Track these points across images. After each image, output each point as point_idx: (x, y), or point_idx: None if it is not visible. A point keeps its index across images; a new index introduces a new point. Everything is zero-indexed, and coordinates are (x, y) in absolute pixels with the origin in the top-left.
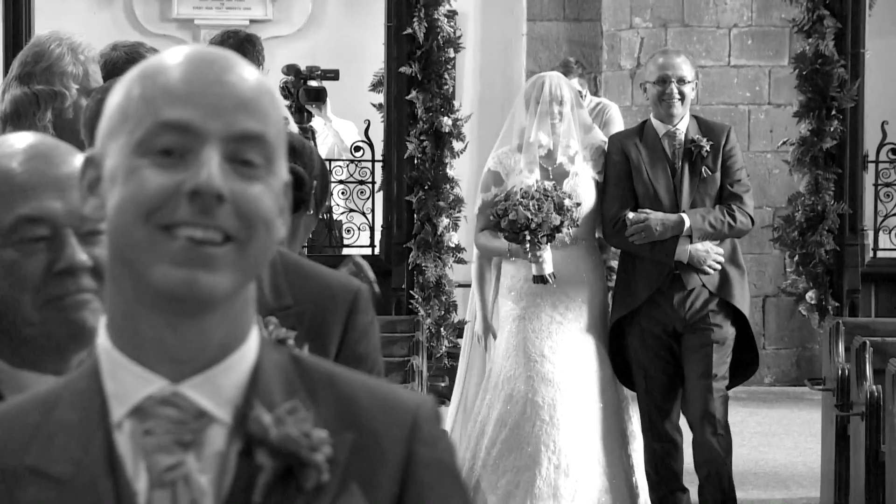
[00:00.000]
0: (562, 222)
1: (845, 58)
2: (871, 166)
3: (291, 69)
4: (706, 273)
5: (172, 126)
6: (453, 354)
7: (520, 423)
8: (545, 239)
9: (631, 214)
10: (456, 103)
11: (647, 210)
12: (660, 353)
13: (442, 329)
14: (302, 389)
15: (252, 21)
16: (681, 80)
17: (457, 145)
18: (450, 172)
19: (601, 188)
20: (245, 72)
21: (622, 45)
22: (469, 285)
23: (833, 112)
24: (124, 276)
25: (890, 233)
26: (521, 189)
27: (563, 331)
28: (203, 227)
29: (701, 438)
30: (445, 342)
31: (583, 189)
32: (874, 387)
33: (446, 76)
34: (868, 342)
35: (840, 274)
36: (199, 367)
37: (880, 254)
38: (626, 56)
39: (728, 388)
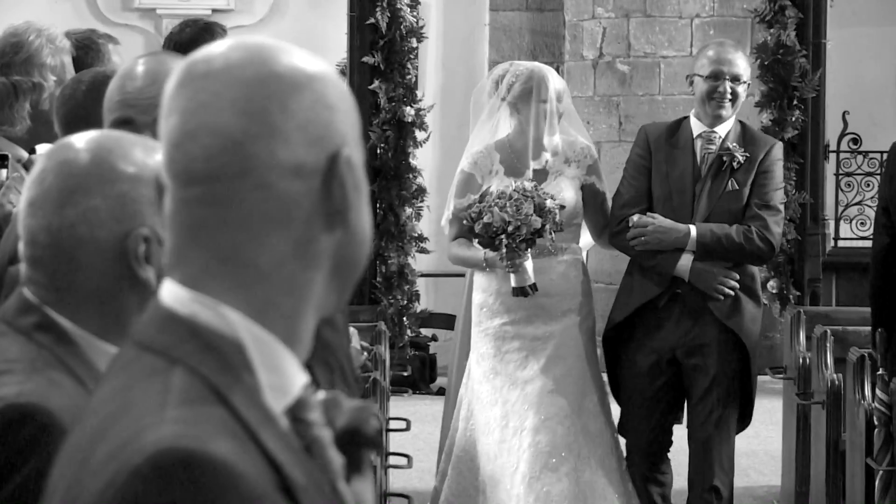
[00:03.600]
0: (543, 225)
1: (807, 48)
2: (833, 156)
3: None
4: (714, 299)
5: None
6: (416, 344)
7: (497, 453)
8: (524, 244)
9: (636, 216)
10: (419, 93)
11: (655, 215)
12: (653, 369)
13: (405, 318)
14: None
15: (214, 11)
16: (735, 79)
17: (419, 135)
18: (413, 162)
19: (589, 192)
20: None
21: (584, 35)
22: (432, 275)
23: (794, 102)
24: (319, 280)
25: (851, 222)
26: (497, 190)
27: (543, 349)
28: None
29: (698, 496)
30: (408, 332)
31: (564, 192)
32: (835, 375)
33: (409, 66)
34: (829, 331)
35: (801, 263)
36: None
37: (841, 243)
38: (589, 46)
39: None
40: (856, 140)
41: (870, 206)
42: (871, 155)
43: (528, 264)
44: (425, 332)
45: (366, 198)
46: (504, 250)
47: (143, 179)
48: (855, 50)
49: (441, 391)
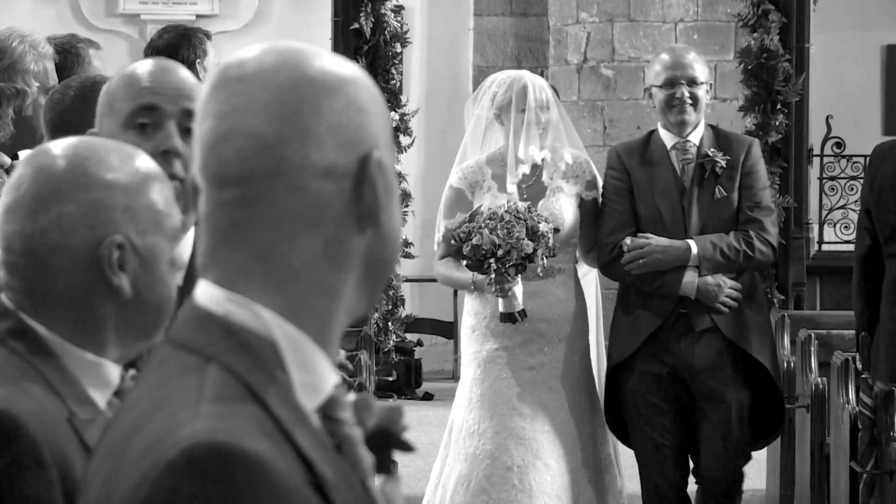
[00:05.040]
0: (535, 250)
1: (790, 52)
2: (816, 160)
3: None
4: (719, 312)
5: None
6: (401, 349)
7: (485, 489)
8: (514, 270)
9: (629, 240)
10: (403, 98)
11: (649, 235)
12: (664, 395)
13: (389, 324)
14: None
15: (198, 16)
16: (692, 82)
17: (404, 140)
18: (397, 167)
19: (588, 208)
20: None
21: (569, 39)
22: (416, 280)
23: (778, 106)
24: (350, 281)
25: (835, 226)
26: (488, 210)
27: (536, 378)
28: None
29: None
30: (393, 337)
31: (564, 210)
32: (819, 379)
33: (393, 71)
34: (813, 335)
35: (785, 267)
36: None
37: (825, 247)
38: (573, 51)
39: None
40: (839, 144)
41: (854, 210)
42: (854, 159)
43: (518, 289)
44: (410, 337)
45: (397, 200)
46: (493, 275)
47: (118, 186)
48: (838, 54)
49: (426, 396)
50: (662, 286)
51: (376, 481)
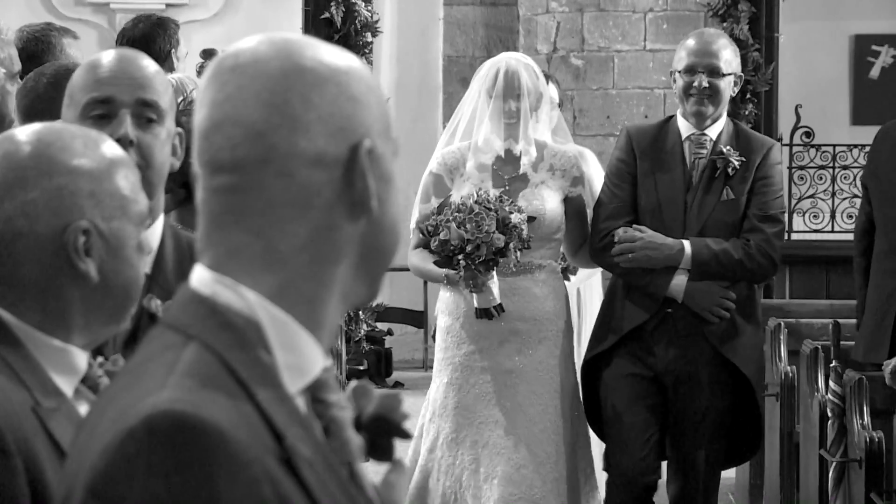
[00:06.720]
0: (507, 244)
1: (760, 42)
2: (786, 149)
3: (208, 54)
4: (709, 321)
5: None
6: (372, 338)
7: (465, 498)
8: (483, 266)
9: (621, 230)
10: None
11: (644, 228)
12: (641, 391)
13: (361, 313)
14: None
15: (168, 5)
16: (714, 72)
17: None
18: None
19: (574, 206)
20: None
21: (539, 29)
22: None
23: (748, 96)
24: (343, 268)
25: (804, 215)
26: (458, 200)
27: (515, 383)
28: None
29: None
30: (363, 326)
31: (546, 202)
32: (789, 368)
33: (363, 60)
34: (783, 324)
35: None
36: None
37: (794, 236)
38: (543, 40)
39: (724, 468)
40: (808, 133)
41: (822, 199)
42: (823, 148)
43: (493, 283)
44: (381, 326)
45: (394, 188)
46: (462, 272)
47: (83, 172)
48: (807, 44)
49: (397, 385)
50: (650, 284)
51: (383, 469)
